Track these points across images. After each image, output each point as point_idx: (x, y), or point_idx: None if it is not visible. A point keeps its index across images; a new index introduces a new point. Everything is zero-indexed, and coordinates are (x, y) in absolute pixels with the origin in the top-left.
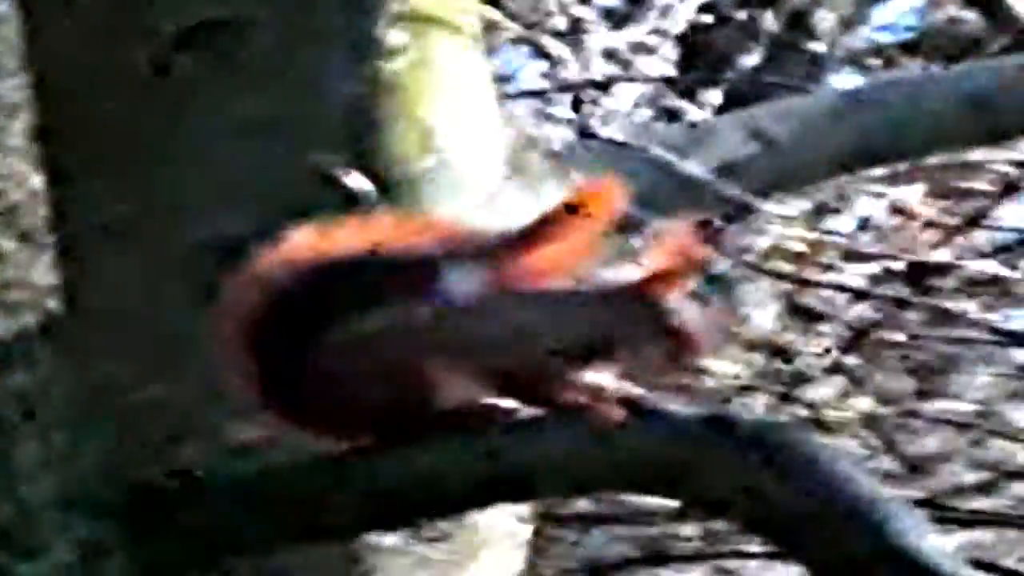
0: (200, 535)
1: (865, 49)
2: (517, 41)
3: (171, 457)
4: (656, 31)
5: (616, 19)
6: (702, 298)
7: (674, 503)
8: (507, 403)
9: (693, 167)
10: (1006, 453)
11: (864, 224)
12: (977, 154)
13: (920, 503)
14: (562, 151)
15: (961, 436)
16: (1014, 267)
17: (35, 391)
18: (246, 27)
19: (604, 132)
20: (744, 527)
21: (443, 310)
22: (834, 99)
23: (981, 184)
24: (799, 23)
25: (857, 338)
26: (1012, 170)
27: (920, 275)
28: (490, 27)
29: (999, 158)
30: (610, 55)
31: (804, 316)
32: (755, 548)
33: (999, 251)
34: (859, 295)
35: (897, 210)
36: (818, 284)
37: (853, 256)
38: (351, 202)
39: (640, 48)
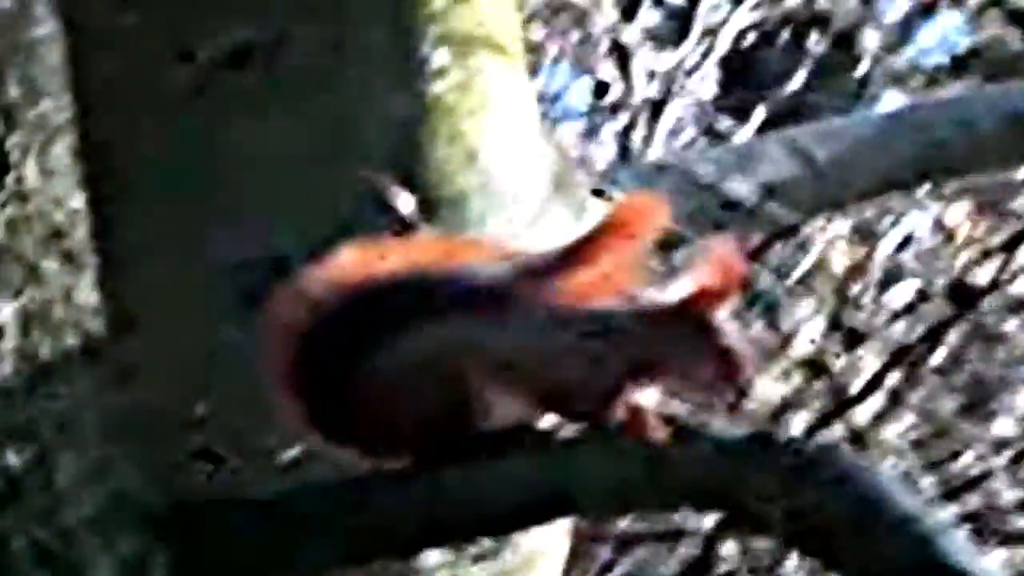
0: (242, 553)
1: (909, 70)
2: (561, 62)
3: (213, 474)
4: (701, 52)
5: (661, 40)
6: (745, 317)
7: (714, 521)
8: (552, 422)
9: (737, 187)
10: None
11: (908, 243)
12: (1021, 173)
13: (960, 521)
14: (606, 172)
15: (1002, 455)
16: None
17: (75, 410)
18: (289, 47)
19: (648, 152)
20: (786, 544)
21: (489, 329)
22: (878, 119)
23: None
24: (844, 44)
25: (899, 357)
26: None
27: (963, 294)
28: (535, 47)
29: None
30: (655, 76)
31: (847, 335)
32: (794, 566)
33: None
34: (902, 314)
35: (941, 229)
36: (861, 303)
37: (896, 275)
38: (397, 221)
39: (685, 69)
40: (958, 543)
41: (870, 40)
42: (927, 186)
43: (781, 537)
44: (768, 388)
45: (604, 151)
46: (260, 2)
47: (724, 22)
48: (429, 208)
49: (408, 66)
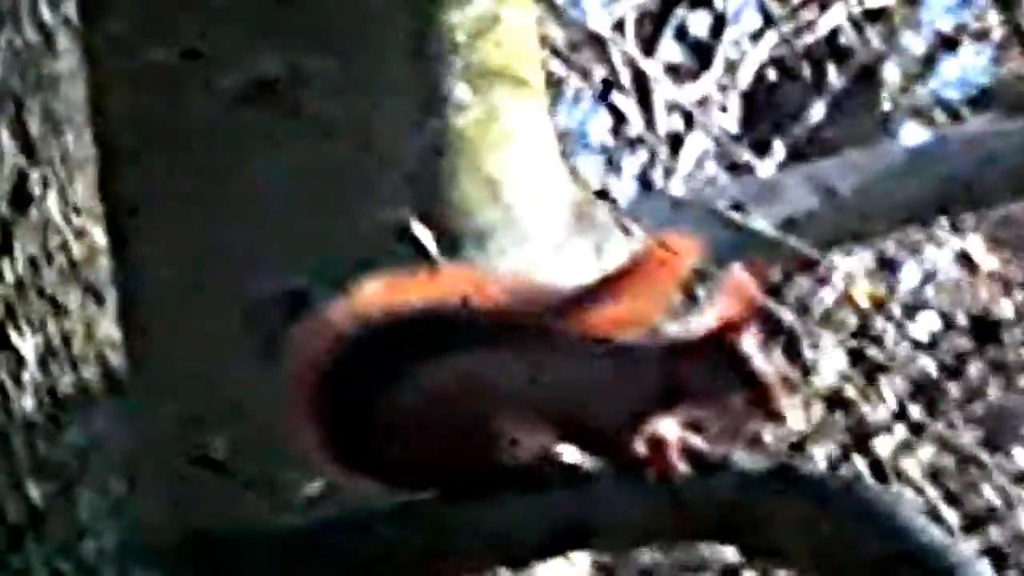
0: None
1: (931, 104)
2: (583, 96)
3: (231, 509)
4: (722, 86)
5: (682, 74)
6: (767, 350)
7: (737, 554)
8: (574, 455)
9: (758, 221)
10: None
11: (929, 277)
12: None
13: (982, 553)
14: (627, 206)
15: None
16: None
17: (96, 443)
18: (310, 81)
19: (669, 186)
20: None
21: (511, 364)
22: (900, 154)
23: None
24: (865, 78)
25: (920, 390)
26: None
27: (984, 328)
28: (556, 81)
29: None
30: (676, 110)
31: (868, 368)
32: None
33: None
34: (923, 347)
35: (962, 262)
36: (882, 337)
37: (917, 308)
38: (419, 255)
39: (706, 103)
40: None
41: (891, 74)
42: (948, 219)
43: (804, 571)
44: (791, 420)
45: (625, 185)
46: (281, 36)
47: (745, 56)
48: (451, 242)
49: (429, 100)
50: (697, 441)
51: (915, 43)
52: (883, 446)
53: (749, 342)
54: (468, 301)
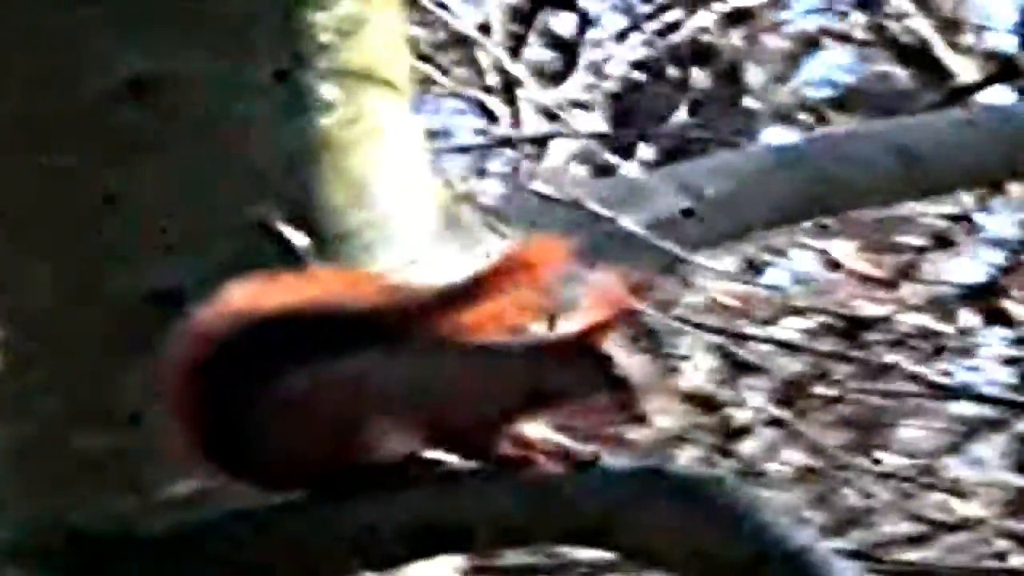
0: None
1: (796, 104)
2: (450, 96)
3: (109, 509)
4: (589, 88)
5: (549, 76)
6: (633, 351)
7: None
8: (444, 456)
9: (626, 222)
10: (938, 506)
11: (798, 278)
12: (908, 208)
13: (852, 555)
14: (495, 206)
15: (893, 489)
16: (946, 321)
17: None
18: (178, 81)
19: (537, 187)
20: None
21: (380, 364)
22: (766, 154)
23: (913, 238)
24: (731, 80)
25: (790, 392)
26: (943, 224)
27: (853, 329)
28: (423, 82)
29: (930, 212)
30: (544, 111)
31: (738, 370)
32: None
33: (931, 305)
34: (792, 349)
35: (830, 264)
36: (751, 338)
37: (787, 310)
38: (288, 256)
39: (573, 104)
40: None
41: (756, 76)
42: (816, 221)
43: (672, 571)
44: (657, 422)
45: (493, 186)
46: (148, 38)
47: (609, 58)
48: (320, 243)
49: (296, 100)
50: (565, 442)
51: (778, 44)
52: (749, 447)
53: (615, 343)
54: (337, 302)
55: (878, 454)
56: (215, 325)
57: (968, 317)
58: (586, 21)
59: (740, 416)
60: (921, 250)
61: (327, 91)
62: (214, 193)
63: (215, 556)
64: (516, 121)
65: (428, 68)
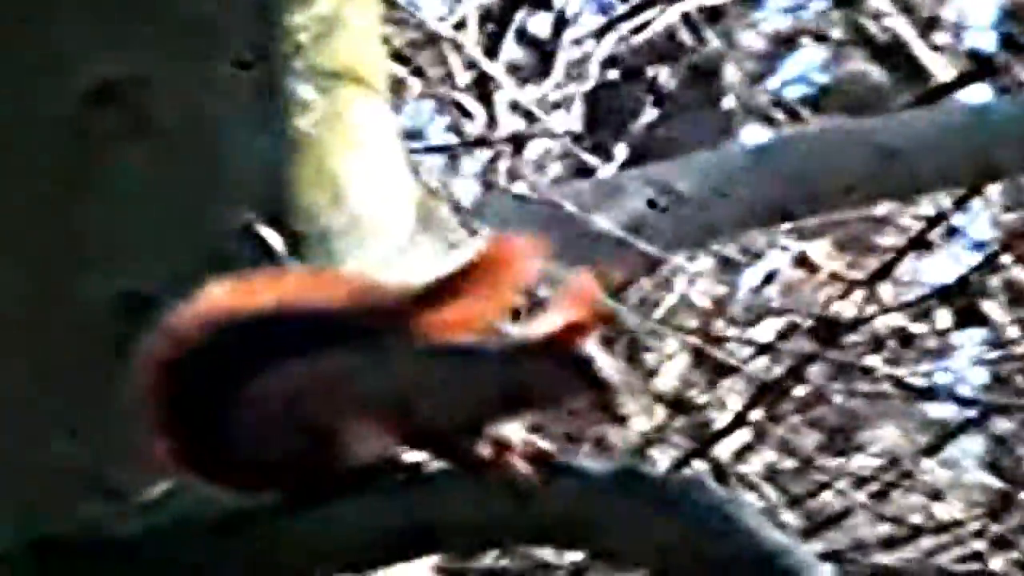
0: None
1: (771, 104)
2: (424, 96)
3: (79, 513)
4: (564, 87)
5: (524, 75)
6: (609, 352)
7: (581, 556)
8: (417, 457)
9: (601, 222)
10: (910, 508)
11: (770, 278)
12: (883, 208)
13: (824, 557)
14: (471, 206)
15: (865, 490)
16: (920, 321)
17: None
18: (154, 83)
19: (512, 187)
20: None
21: (354, 364)
22: (741, 154)
23: (887, 239)
24: (706, 78)
25: (762, 393)
26: (918, 224)
27: (826, 330)
28: (398, 83)
29: (905, 212)
30: (518, 110)
31: (710, 370)
32: None
33: (905, 305)
34: (765, 349)
35: (803, 264)
36: (724, 339)
37: (759, 311)
38: (264, 257)
39: (548, 104)
40: None
41: (732, 74)
42: (791, 221)
43: (647, 573)
44: (633, 423)
45: (468, 186)
46: (124, 39)
47: (587, 57)
48: (296, 244)
49: (273, 101)
50: (541, 443)
51: (754, 42)
52: (724, 449)
53: (592, 344)
54: (312, 302)
55: (847, 455)
56: (188, 326)
57: (944, 318)
58: (563, 21)
59: (716, 418)
60: (898, 251)
61: (303, 91)
62: (188, 195)
63: (187, 559)
64: (492, 121)
65: (403, 68)
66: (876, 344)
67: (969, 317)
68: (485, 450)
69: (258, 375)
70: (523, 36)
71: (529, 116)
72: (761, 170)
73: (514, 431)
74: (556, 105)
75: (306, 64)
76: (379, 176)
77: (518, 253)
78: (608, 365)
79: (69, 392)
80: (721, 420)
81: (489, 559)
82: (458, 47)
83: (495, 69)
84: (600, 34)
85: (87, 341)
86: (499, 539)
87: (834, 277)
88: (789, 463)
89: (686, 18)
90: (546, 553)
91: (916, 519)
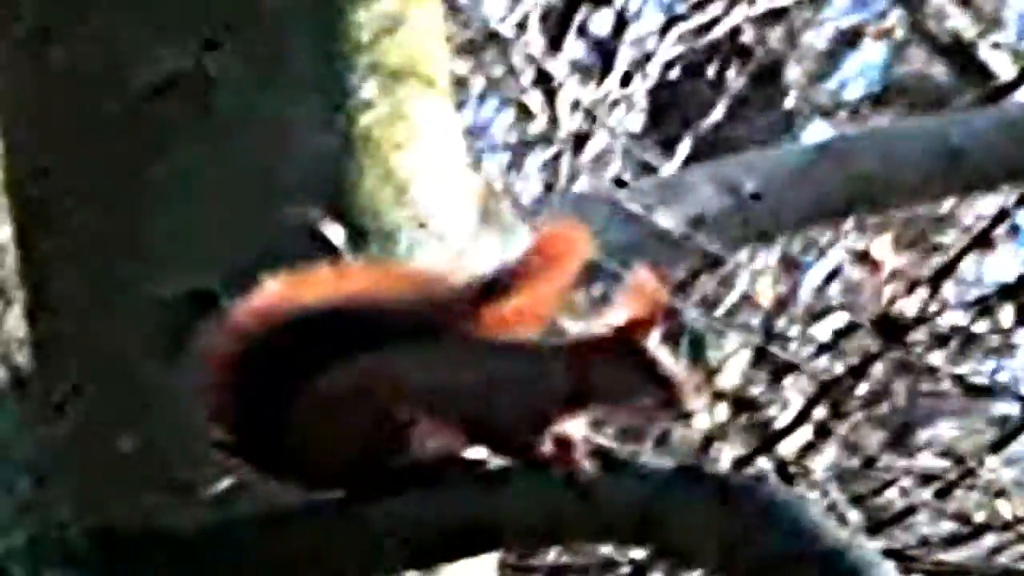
0: None
1: (834, 102)
2: (488, 95)
3: (143, 508)
4: (628, 86)
5: (586, 73)
6: (671, 350)
7: (644, 553)
8: (480, 454)
9: (663, 219)
10: (973, 505)
11: (833, 276)
12: (946, 206)
13: (887, 555)
14: (532, 204)
15: (928, 488)
16: (982, 320)
17: (5, 443)
18: (217, 79)
19: (574, 185)
20: None
21: (417, 361)
22: (804, 151)
23: (949, 236)
24: (768, 77)
25: (824, 391)
26: (981, 222)
27: (888, 327)
28: (461, 80)
29: (968, 210)
30: (580, 109)
31: (772, 368)
32: None
33: (968, 304)
34: (827, 347)
35: (866, 262)
36: (786, 336)
37: (822, 309)
38: (327, 253)
39: (610, 102)
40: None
41: (794, 73)
42: (853, 219)
43: (709, 570)
44: (696, 421)
45: (530, 184)
46: (189, 34)
47: (648, 56)
48: (359, 241)
49: (336, 99)
50: (604, 441)
51: (817, 41)
52: (788, 447)
53: (655, 341)
54: (375, 298)
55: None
56: (250, 321)
57: (1007, 316)
58: (624, 19)
59: (778, 416)
60: (961, 249)
61: (367, 89)
62: (252, 192)
63: (247, 554)
64: (554, 119)
65: (466, 66)
66: (939, 342)
67: None
68: (547, 447)
69: (321, 371)
70: (584, 34)
71: (590, 115)
72: (824, 168)
73: (576, 428)
74: (616, 103)
75: (369, 61)
76: (441, 173)
77: (570, 243)
78: (670, 363)
79: (135, 386)
80: (784, 419)
81: (552, 555)
82: (520, 46)
83: (557, 67)
84: (662, 32)
85: (152, 336)
86: (561, 536)
87: (897, 275)
88: (852, 461)
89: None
90: (608, 550)
91: (979, 517)
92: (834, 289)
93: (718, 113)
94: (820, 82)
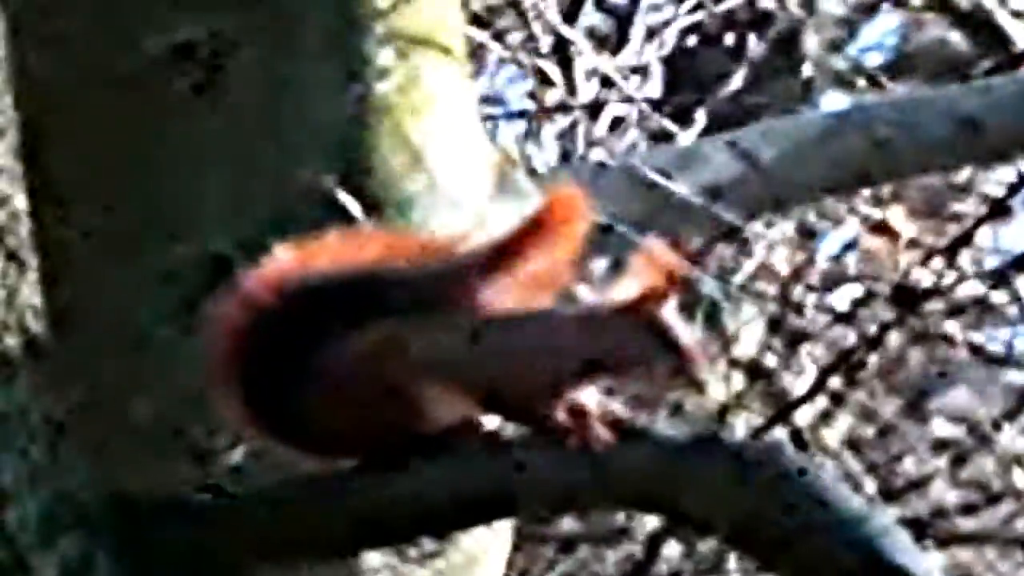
0: (183, 552)
1: (852, 70)
2: (503, 62)
3: (155, 473)
4: (643, 53)
5: (602, 41)
6: (687, 319)
7: (658, 521)
8: (495, 422)
9: (679, 188)
10: (988, 474)
11: (849, 246)
12: (963, 175)
13: (903, 523)
14: (548, 172)
15: (943, 456)
16: (998, 288)
17: (18, 410)
18: (232, 45)
19: (590, 153)
20: (729, 544)
21: (431, 329)
22: (821, 120)
23: (966, 205)
24: (785, 45)
25: (840, 359)
26: (998, 191)
27: (904, 297)
28: (477, 48)
29: (985, 179)
30: (597, 76)
31: (788, 337)
32: (736, 566)
33: (983, 273)
34: (843, 317)
35: (882, 231)
36: (802, 306)
37: (838, 278)
38: (342, 220)
39: (627, 70)
40: (901, 544)
41: (811, 41)
42: (870, 188)
43: (724, 539)
44: (711, 390)
45: (546, 152)
46: (201, 2)
47: (666, 23)
48: (374, 208)
49: (352, 66)
50: (618, 409)
51: (835, 8)
52: (803, 416)
53: (670, 310)
54: (389, 265)
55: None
56: (263, 289)
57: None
58: None
59: (789, 384)
60: (978, 218)
61: (383, 57)
62: (267, 158)
63: (264, 523)
64: (571, 87)
65: (483, 33)
66: (955, 311)
67: None
68: (561, 416)
69: (334, 339)
70: (601, 2)
71: (607, 82)
72: (841, 137)
73: (591, 396)
74: (635, 71)
75: (386, 29)
76: (457, 141)
77: (572, 207)
78: (685, 332)
79: (149, 353)
80: (799, 387)
81: (567, 524)
82: (538, 13)
83: (574, 35)
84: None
85: (169, 302)
86: (575, 504)
87: (913, 244)
88: (868, 430)
89: None
90: (622, 518)
91: (995, 485)
92: (850, 258)
93: (737, 81)
94: (838, 50)
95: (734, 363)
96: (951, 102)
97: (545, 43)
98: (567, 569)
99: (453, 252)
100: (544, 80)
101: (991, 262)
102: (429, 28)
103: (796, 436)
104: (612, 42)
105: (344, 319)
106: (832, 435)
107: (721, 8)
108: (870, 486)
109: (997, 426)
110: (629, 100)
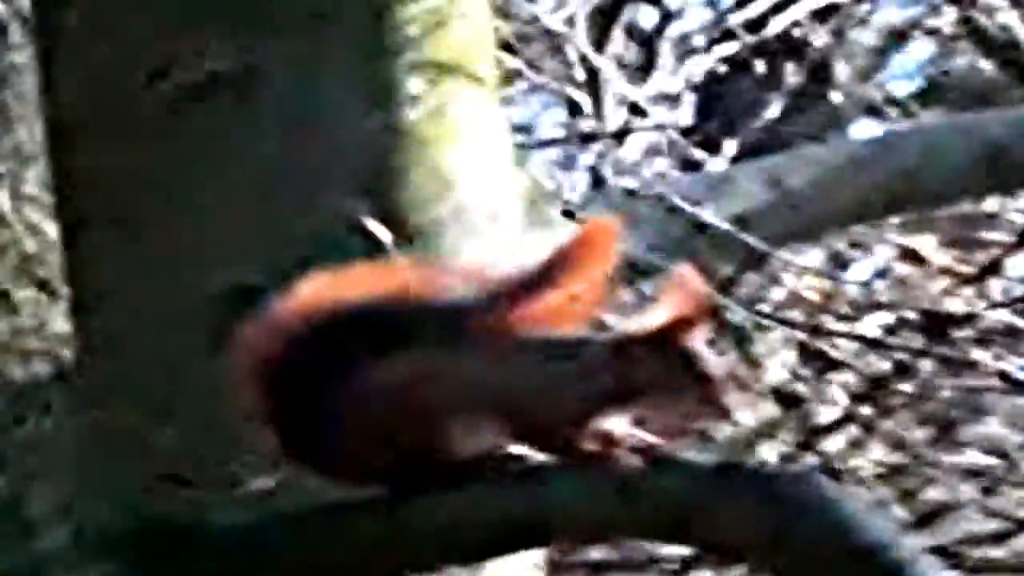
0: None
1: (882, 99)
2: (535, 90)
3: (182, 501)
4: (674, 81)
5: (633, 69)
6: (717, 347)
7: (688, 550)
8: (523, 451)
9: (710, 216)
10: (1019, 502)
11: (880, 274)
12: (992, 203)
13: (932, 551)
14: (579, 200)
15: (974, 485)
16: None
17: (47, 438)
18: (262, 74)
19: (621, 181)
20: (760, 572)
21: (460, 358)
22: (852, 148)
23: (995, 234)
24: (816, 73)
25: (871, 388)
26: None
27: (934, 325)
28: (508, 76)
29: (1013, 208)
30: (627, 104)
31: (818, 365)
32: None
33: (1013, 301)
34: (873, 344)
35: (912, 259)
36: (832, 333)
37: (868, 305)
38: (371, 247)
39: (657, 98)
40: (931, 571)
41: (842, 70)
42: (900, 216)
43: (754, 567)
44: (740, 418)
45: (577, 180)
46: (234, 29)
47: (696, 51)
48: (403, 237)
49: (382, 93)
50: (647, 437)
51: (866, 37)
52: (833, 444)
53: (699, 338)
54: (416, 295)
55: (957, 450)
56: (291, 318)
57: None
58: (668, 15)
59: (820, 413)
60: (1007, 246)
61: (413, 85)
62: (296, 187)
63: (291, 550)
64: (600, 115)
65: (513, 61)
66: (984, 339)
67: None
68: (590, 443)
69: (364, 367)
70: (631, 31)
71: (637, 110)
72: (871, 164)
73: (619, 424)
74: (665, 98)
75: (416, 56)
76: (487, 169)
77: (604, 236)
78: (714, 360)
79: (177, 382)
80: (829, 415)
81: (597, 553)
82: (567, 41)
83: (603, 63)
84: (709, 29)
85: (197, 330)
86: (605, 532)
87: (943, 272)
88: (898, 458)
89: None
90: (652, 546)
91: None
92: (880, 286)
93: (773, 111)
94: (868, 79)
95: (764, 391)
96: (981, 130)
97: (577, 72)
98: None
99: (483, 280)
100: (574, 109)
101: (1020, 290)
102: (459, 56)
103: (827, 464)
104: (640, 70)
105: (374, 348)
106: (862, 463)
107: (752, 38)
108: (901, 514)
109: None
110: (660, 128)
